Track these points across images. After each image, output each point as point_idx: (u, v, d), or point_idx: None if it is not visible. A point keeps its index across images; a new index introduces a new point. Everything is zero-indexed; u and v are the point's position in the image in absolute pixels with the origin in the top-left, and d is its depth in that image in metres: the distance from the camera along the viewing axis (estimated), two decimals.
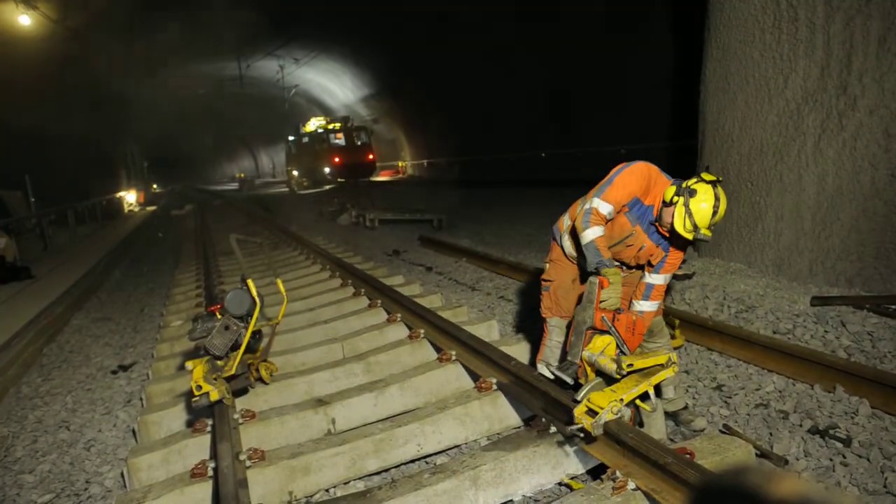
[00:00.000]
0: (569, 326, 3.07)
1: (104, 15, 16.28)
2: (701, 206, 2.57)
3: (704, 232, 2.60)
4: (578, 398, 2.43)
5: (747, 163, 5.48)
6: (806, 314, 4.19)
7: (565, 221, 3.10)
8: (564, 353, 2.68)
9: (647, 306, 2.97)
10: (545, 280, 3.19)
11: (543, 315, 3.20)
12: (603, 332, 2.59)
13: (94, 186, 19.16)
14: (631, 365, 2.44)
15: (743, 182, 5.52)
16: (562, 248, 3.12)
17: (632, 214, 2.82)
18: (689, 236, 2.63)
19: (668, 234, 2.79)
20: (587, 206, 2.77)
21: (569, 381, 2.63)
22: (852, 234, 4.79)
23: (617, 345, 2.58)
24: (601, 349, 2.55)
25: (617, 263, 2.97)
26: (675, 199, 2.62)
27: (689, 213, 2.59)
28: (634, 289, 3.04)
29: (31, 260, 9.74)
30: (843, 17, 4.70)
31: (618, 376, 2.42)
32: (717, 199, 2.58)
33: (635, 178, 2.78)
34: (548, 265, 3.21)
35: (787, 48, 5.08)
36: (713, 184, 2.60)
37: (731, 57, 5.54)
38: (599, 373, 2.53)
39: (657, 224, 2.80)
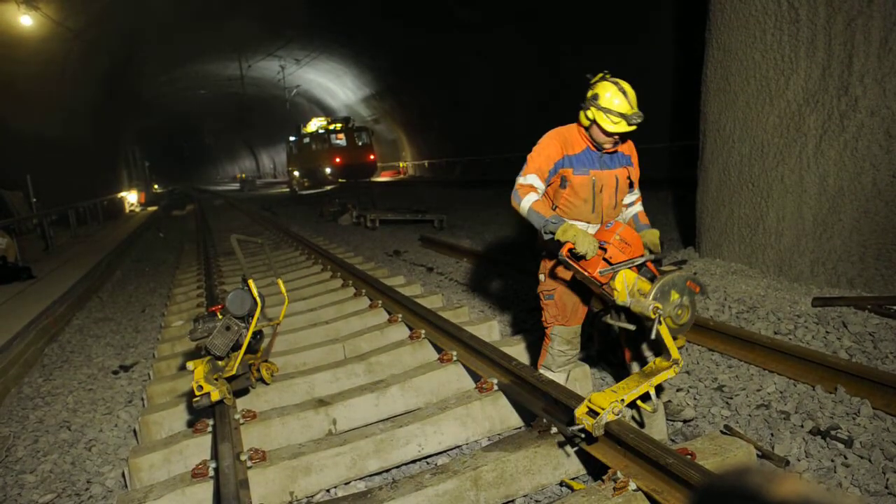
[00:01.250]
0: (573, 333, 3.09)
1: (105, 16, 16.30)
2: (613, 101, 2.70)
3: (635, 112, 2.71)
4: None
5: (748, 164, 5.47)
6: (807, 315, 4.19)
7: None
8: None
9: (632, 210, 3.11)
10: (546, 290, 3.10)
11: (549, 323, 3.12)
12: (613, 277, 2.64)
13: (96, 186, 19.17)
14: (660, 314, 2.45)
15: (744, 183, 5.52)
16: (549, 256, 3.09)
17: (578, 168, 2.88)
18: (629, 126, 2.73)
19: (614, 150, 2.90)
20: (514, 189, 2.90)
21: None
22: (853, 234, 4.78)
23: (630, 269, 2.64)
24: (627, 291, 2.59)
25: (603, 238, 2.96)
26: (590, 115, 2.75)
27: (608, 112, 2.70)
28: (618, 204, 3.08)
29: (33, 260, 9.75)
30: (844, 18, 4.70)
31: (653, 315, 2.45)
32: (616, 84, 2.72)
33: (545, 143, 2.92)
34: (542, 277, 3.13)
35: (789, 49, 5.08)
36: (601, 79, 2.75)
37: (732, 58, 5.54)
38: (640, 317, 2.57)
39: (602, 151, 2.89)
